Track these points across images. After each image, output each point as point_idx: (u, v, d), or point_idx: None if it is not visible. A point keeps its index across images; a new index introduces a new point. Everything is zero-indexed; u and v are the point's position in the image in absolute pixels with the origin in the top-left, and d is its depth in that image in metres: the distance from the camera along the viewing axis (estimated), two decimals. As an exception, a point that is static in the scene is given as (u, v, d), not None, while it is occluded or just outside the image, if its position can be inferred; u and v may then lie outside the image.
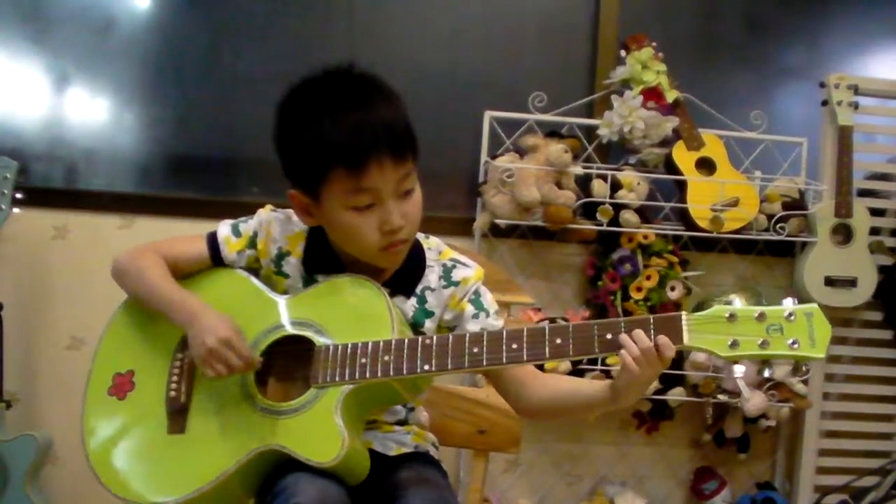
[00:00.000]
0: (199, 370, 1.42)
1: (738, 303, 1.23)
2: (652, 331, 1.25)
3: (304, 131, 1.35)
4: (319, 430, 1.31)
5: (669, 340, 1.25)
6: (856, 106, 2.76)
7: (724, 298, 2.65)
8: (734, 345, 1.23)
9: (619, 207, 2.62)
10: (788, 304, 1.24)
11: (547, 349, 1.29)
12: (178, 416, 1.41)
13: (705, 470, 2.84)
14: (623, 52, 2.74)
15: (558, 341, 1.28)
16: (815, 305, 1.25)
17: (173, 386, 1.42)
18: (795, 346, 1.22)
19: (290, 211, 1.51)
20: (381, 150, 1.32)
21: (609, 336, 1.27)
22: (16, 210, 2.40)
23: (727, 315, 1.24)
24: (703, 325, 1.24)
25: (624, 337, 1.26)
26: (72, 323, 2.58)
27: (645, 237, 2.64)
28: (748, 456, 2.84)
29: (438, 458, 1.56)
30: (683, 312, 1.26)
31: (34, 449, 2.36)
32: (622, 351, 1.26)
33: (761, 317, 1.23)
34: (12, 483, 2.33)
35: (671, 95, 2.69)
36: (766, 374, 1.16)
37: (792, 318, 1.23)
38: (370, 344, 1.33)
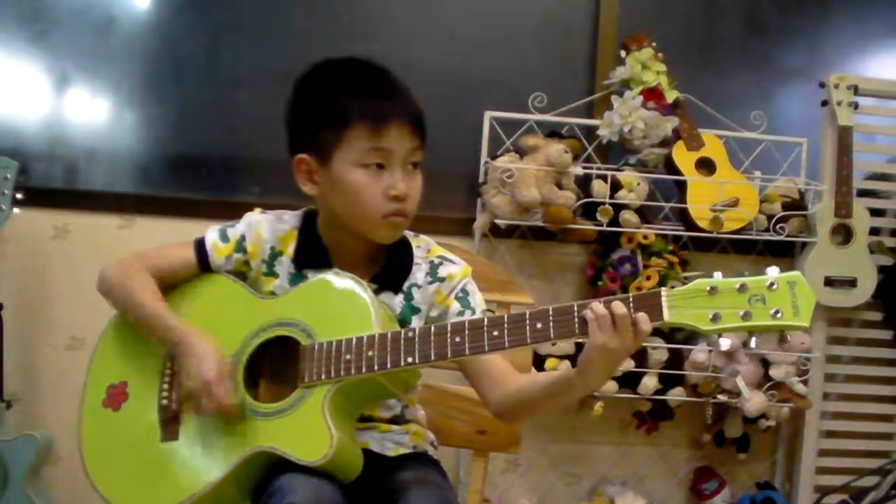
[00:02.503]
0: None
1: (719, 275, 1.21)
2: (631, 308, 1.24)
3: (330, 93, 1.42)
4: (308, 429, 1.32)
5: (647, 316, 1.23)
6: (856, 106, 2.76)
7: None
8: (715, 318, 1.21)
9: (619, 208, 2.62)
10: (771, 272, 1.21)
11: (528, 334, 1.29)
12: (170, 423, 1.42)
13: (705, 470, 2.84)
14: (623, 53, 2.74)
15: (539, 325, 1.28)
16: (797, 273, 1.21)
17: (164, 394, 1.44)
18: (778, 315, 1.19)
19: (280, 211, 1.53)
20: (402, 117, 1.41)
21: None
22: (16, 210, 2.39)
23: (708, 288, 1.22)
24: (684, 300, 1.23)
25: (592, 304, 1.26)
26: (72, 323, 2.58)
27: (645, 237, 2.64)
28: (748, 456, 2.84)
29: (437, 457, 1.56)
30: (663, 288, 1.25)
31: (34, 449, 2.36)
32: (585, 312, 1.25)
33: (742, 288, 1.21)
34: (12, 483, 2.33)
35: (671, 95, 2.69)
36: (752, 344, 1.17)
37: (774, 287, 1.20)
38: (354, 340, 1.34)
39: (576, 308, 1.27)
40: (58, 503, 2.52)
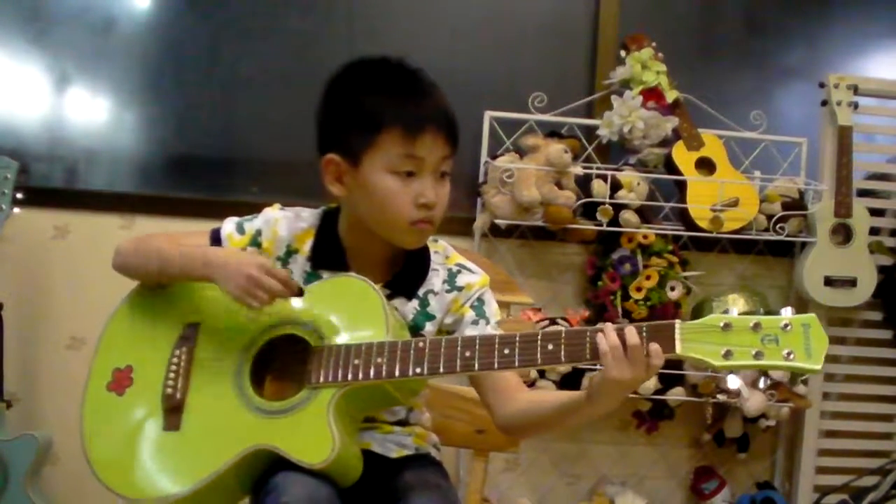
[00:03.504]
0: (195, 366, 1.42)
1: (737, 308, 1.21)
2: (644, 338, 1.24)
3: (364, 94, 1.41)
4: (311, 430, 1.31)
5: (660, 348, 1.23)
6: (855, 106, 2.76)
7: (724, 299, 2.65)
8: (728, 355, 1.21)
9: (618, 207, 2.62)
10: (786, 313, 1.22)
11: (539, 355, 1.28)
12: (173, 413, 1.41)
13: (705, 470, 2.84)
14: (623, 52, 2.74)
15: (550, 347, 1.28)
16: (812, 316, 1.22)
17: (170, 383, 1.42)
18: (791, 357, 1.20)
19: (299, 209, 1.52)
20: (437, 124, 1.39)
21: None
22: (16, 210, 2.40)
23: (721, 324, 1.22)
24: (697, 334, 1.23)
25: (604, 328, 1.25)
26: (72, 323, 2.58)
27: (645, 237, 2.64)
28: (748, 456, 2.84)
29: (440, 459, 1.56)
30: (677, 321, 1.24)
31: (34, 449, 2.36)
32: (598, 337, 1.25)
33: (756, 327, 1.21)
34: (12, 483, 2.33)
35: (671, 95, 2.69)
36: (761, 384, 1.16)
37: (788, 328, 1.21)
38: (363, 345, 1.34)
39: (588, 333, 1.27)
40: (57, 503, 2.52)
